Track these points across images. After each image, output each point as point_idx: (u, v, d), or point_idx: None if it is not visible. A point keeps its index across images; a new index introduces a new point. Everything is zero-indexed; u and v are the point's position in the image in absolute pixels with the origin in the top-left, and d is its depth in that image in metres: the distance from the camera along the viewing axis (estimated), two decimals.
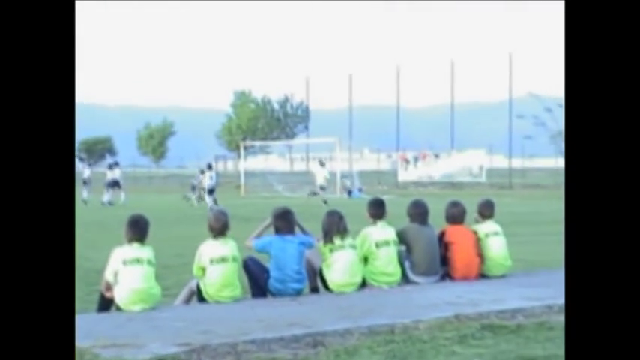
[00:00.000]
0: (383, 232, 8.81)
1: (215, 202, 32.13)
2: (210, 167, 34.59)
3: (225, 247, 7.76)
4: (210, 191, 32.90)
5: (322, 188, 37.51)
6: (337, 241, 8.41)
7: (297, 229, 8.48)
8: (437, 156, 55.51)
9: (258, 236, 8.44)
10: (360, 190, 44.78)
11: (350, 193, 43.40)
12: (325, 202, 31.91)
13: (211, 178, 33.23)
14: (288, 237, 8.27)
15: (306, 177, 60.88)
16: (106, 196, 34.13)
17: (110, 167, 36.81)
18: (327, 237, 8.47)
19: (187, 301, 7.92)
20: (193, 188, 36.31)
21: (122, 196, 34.73)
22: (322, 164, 39.10)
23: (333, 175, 47.72)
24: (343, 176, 46.02)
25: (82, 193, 33.56)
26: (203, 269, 7.75)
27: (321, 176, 37.93)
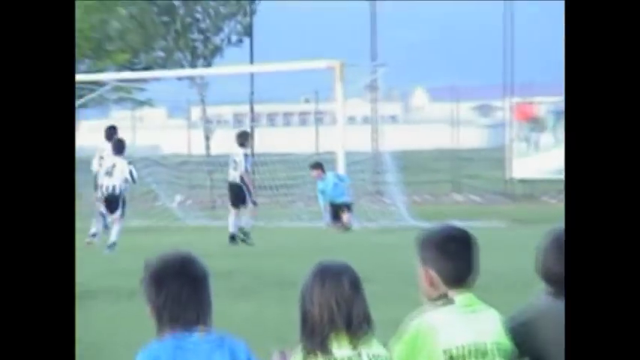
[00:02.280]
0: (469, 324, 4.69)
1: None
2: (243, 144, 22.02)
3: None
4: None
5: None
6: (337, 352, 4.50)
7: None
8: None
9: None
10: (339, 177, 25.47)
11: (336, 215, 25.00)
12: None
13: (239, 164, 21.57)
14: (195, 337, 4.79)
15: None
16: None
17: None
18: (314, 340, 4.55)
19: None
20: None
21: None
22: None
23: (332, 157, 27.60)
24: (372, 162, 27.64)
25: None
26: None
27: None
